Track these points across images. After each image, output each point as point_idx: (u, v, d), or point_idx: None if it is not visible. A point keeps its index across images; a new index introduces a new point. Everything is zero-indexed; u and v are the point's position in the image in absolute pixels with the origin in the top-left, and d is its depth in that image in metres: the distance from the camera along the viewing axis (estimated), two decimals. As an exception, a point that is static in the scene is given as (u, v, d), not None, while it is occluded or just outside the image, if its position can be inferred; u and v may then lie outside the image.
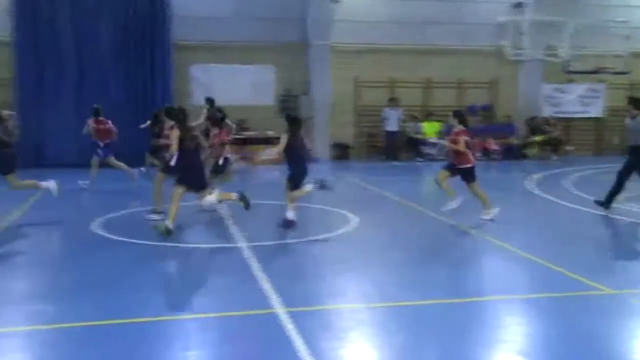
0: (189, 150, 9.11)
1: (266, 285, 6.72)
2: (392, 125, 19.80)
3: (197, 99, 19.48)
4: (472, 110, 20.76)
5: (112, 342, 5.26)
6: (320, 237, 9.36)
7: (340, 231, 9.68)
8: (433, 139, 20.15)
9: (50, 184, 10.90)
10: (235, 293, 6.67)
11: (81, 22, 17.93)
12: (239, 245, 8.66)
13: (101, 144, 14.04)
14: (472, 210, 10.53)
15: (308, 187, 10.24)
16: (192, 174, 9.12)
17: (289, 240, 9.18)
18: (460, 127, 10.36)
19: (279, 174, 17.78)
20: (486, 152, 20.63)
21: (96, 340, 5.32)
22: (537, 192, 14.08)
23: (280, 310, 5.96)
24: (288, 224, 9.75)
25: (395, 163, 19.48)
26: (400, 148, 20.22)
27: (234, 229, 9.66)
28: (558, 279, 7.22)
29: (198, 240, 9.20)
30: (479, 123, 20.97)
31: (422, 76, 21.08)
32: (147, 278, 7.28)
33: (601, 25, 20.97)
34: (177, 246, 8.73)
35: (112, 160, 14.20)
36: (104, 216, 10.48)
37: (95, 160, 14.08)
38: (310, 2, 19.84)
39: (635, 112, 10.72)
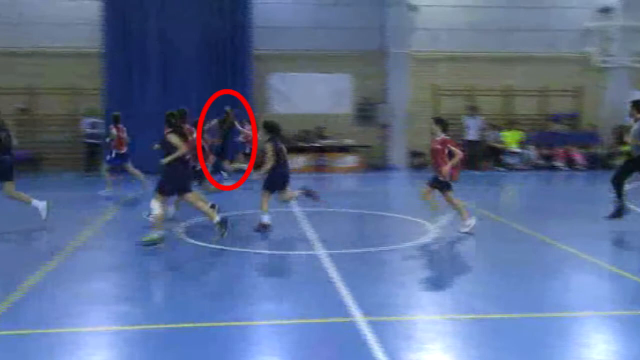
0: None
1: (345, 293, 6.73)
2: (471, 134, 19.48)
3: (275, 107, 19.89)
4: (556, 118, 20.19)
5: (191, 345, 5.39)
6: (400, 246, 9.29)
7: (419, 241, 9.58)
8: (514, 148, 19.84)
9: (40, 205, 10.39)
10: (314, 300, 6.70)
11: (166, 33, 18.55)
12: (317, 252, 8.71)
13: (118, 152, 14.27)
14: (552, 220, 10.21)
15: (295, 192, 10.45)
16: (177, 178, 9.13)
17: (367, 249, 9.16)
18: (444, 136, 9.69)
19: (356, 182, 17.87)
20: (570, 162, 19.99)
21: (176, 342, 5.46)
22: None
23: (359, 318, 5.95)
24: (262, 228, 9.84)
25: (475, 172, 19.12)
26: (480, 157, 19.85)
27: (312, 236, 9.72)
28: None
29: (277, 247, 9.32)
30: (563, 132, 20.36)
31: (503, 84, 20.67)
32: (227, 283, 7.43)
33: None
34: (257, 252, 8.88)
35: (129, 167, 14.42)
36: (187, 221, 10.78)
37: (107, 167, 14.48)
38: (389, 11, 19.82)
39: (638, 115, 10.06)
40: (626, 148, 19.72)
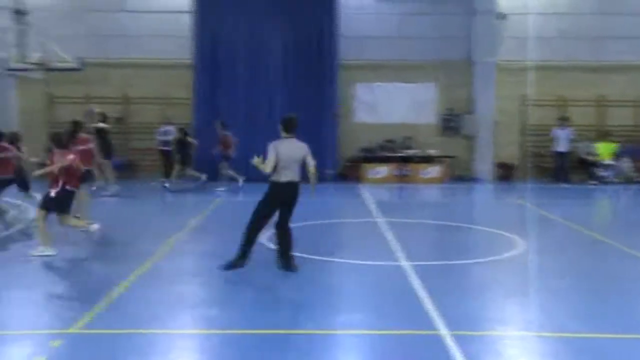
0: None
1: (430, 306, 6.64)
2: (562, 146, 18.83)
3: (360, 117, 19.93)
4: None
5: (274, 352, 5.45)
6: (486, 259, 9.10)
7: (506, 254, 9.34)
8: (607, 160, 19.04)
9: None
10: (398, 312, 6.64)
11: (253, 44, 18.93)
12: (401, 263, 8.64)
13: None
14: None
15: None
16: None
17: (452, 261, 9.01)
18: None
19: (440, 193, 17.63)
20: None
21: (260, 348, 5.55)
22: None
23: (444, 332, 5.85)
24: None
25: (565, 185, 18.47)
26: (570, 169, 19.16)
27: (396, 247, 9.65)
28: None
29: (361, 257, 9.30)
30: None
31: (595, 94, 19.89)
32: (311, 291, 7.48)
33: None
34: (339, 262, 8.90)
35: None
36: (272, 229, 10.92)
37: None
38: (476, 19, 19.49)
39: None
40: None
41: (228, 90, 19.01)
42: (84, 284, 7.63)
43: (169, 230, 10.77)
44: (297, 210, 8.27)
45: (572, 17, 19.82)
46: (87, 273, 8.28)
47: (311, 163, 8.23)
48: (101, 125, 15.40)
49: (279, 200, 8.11)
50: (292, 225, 8.33)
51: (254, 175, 15.18)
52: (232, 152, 16.82)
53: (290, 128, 8.19)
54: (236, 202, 15.01)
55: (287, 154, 7.97)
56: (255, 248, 8.16)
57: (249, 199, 15.19)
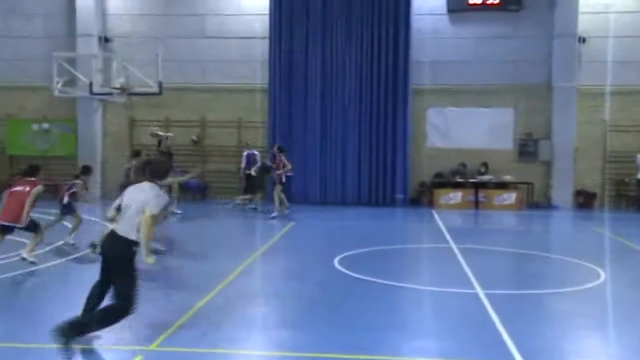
0: None
1: (505, 336, 6.46)
2: (647, 173, 18.09)
3: (432, 142, 19.75)
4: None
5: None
6: (563, 289, 8.79)
7: (585, 285, 8.99)
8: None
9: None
10: (473, 340, 6.49)
11: (328, 69, 19.17)
12: (475, 291, 8.45)
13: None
14: None
15: None
16: None
17: (528, 291, 8.74)
18: None
19: (515, 220, 17.19)
20: None
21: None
22: None
23: (521, 363, 5.68)
24: None
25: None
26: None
27: (469, 274, 9.45)
28: None
29: (433, 283, 9.15)
30: None
31: (681, 119, 19.05)
32: (384, 316, 7.39)
33: None
34: (412, 287, 8.78)
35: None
36: (344, 253, 10.91)
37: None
38: (555, 43, 19.06)
39: None
40: None
41: (302, 115, 19.29)
42: (162, 303, 7.81)
43: (243, 251, 10.92)
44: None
45: (655, 41, 19.14)
46: (164, 293, 8.47)
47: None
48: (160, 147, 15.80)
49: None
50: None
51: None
52: (283, 176, 16.36)
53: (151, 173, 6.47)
54: (310, 225, 15.09)
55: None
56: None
57: (321, 223, 15.38)
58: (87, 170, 12.07)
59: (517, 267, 11.03)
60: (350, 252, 11.02)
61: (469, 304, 7.89)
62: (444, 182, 19.21)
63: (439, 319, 7.43)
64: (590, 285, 9.01)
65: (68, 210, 11.49)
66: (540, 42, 19.29)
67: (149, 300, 8.20)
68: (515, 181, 18.98)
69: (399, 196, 18.54)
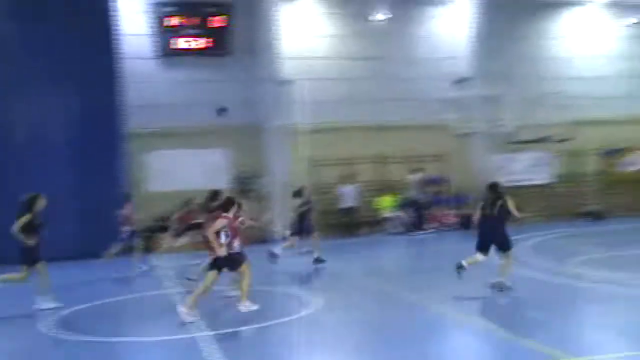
0: None
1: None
2: (348, 202, 20.10)
3: (155, 185, 19.62)
4: (429, 182, 21.23)
5: None
6: (280, 320, 9.28)
7: (300, 314, 9.63)
8: (389, 212, 20.66)
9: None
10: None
11: (32, 120, 17.89)
12: (199, 334, 8.53)
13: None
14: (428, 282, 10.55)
15: None
16: None
17: (250, 326, 9.05)
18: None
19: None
20: (442, 223, 21.08)
21: None
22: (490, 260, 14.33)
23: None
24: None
25: (354, 239, 19.63)
26: (360, 223, 20.47)
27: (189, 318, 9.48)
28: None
29: (149, 333, 8.97)
30: (434, 195, 21.49)
31: (375, 152, 21.56)
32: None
33: (541, 97, 22.09)
34: (127, 341, 8.55)
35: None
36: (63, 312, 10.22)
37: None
38: (263, 86, 20.36)
39: None
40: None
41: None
42: None
43: None
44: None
45: (352, 82, 21.54)
46: None
47: None
48: None
49: None
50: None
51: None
52: None
53: None
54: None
55: None
56: None
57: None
58: None
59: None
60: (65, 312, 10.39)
61: (190, 349, 7.93)
62: (166, 226, 19.06)
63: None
64: (304, 313, 9.68)
65: None
66: (249, 85, 20.48)
67: None
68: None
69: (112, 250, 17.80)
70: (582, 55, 23.86)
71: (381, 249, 18.55)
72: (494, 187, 10.96)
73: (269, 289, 12.03)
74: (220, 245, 9.33)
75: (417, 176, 20.90)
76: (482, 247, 10.75)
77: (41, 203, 10.71)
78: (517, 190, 22.25)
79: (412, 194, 20.90)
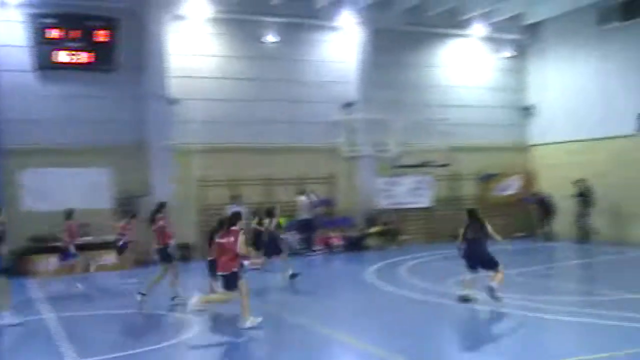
0: None
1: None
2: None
3: (28, 205, 18.60)
4: (316, 205, 21.42)
5: None
6: (159, 345, 9.05)
7: (178, 339, 9.42)
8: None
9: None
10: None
11: None
12: (69, 362, 8.16)
13: None
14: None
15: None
16: None
17: (127, 352, 8.76)
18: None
19: (119, 279, 17.06)
20: (328, 245, 21.33)
21: None
22: (372, 281, 14.68)
23: None
24: None
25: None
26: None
27: (66, 345, 9.06)
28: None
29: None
30: (322, 217, 21.74)
31: (263, 174, 21.56)
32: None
33: (424, 123, 23.05)
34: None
35: None
36: None
37: None
38: (148, 104, 19.90)
39: None
40: (376, 229, 21.83)
41: None
42: None
43: None
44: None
45: (239, 104, 21.44)
46: None
47: None
48: None
49: None
50: None
51: None
52: None
53: None
54: None
55: None
56: None
57: None
58: None
59: (121, 328, 10.95)
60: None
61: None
62: (43, 247, 18.13)
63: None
64: (181, 338, 9.47)
65: None
66: (134, 103, 19.91)
67: None
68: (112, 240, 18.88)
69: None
70: (462, 85, 25.03)
71: (268, 270, 18.48)
72: (474, 213, 11.61)
73: (158, 313, 11.70)
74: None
75: (305, 198, 21.08)
76: (472, 268, 11.53)
77: None
78: (400, 213, 23.17)
79: (301, 215, 21.04)
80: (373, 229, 22.13)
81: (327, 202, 22.47)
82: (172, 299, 12.32)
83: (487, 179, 24.62)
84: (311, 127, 22.15)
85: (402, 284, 14.01)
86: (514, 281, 13.09)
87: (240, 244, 9.77)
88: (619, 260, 17.22)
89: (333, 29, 22.86)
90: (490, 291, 11.00)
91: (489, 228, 11.49)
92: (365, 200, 22.81)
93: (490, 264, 11.36)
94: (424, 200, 23.62)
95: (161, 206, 13.68)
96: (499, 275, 11.23)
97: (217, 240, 10.19)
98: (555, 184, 23.17)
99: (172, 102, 20.16)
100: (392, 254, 19.88)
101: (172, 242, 13.26)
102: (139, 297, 11.89)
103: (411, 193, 23.46)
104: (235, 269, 9.80)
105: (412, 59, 24.21)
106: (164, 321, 11.23)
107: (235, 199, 20.28)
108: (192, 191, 20.58)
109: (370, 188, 22.89)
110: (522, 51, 25.72)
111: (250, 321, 9.75)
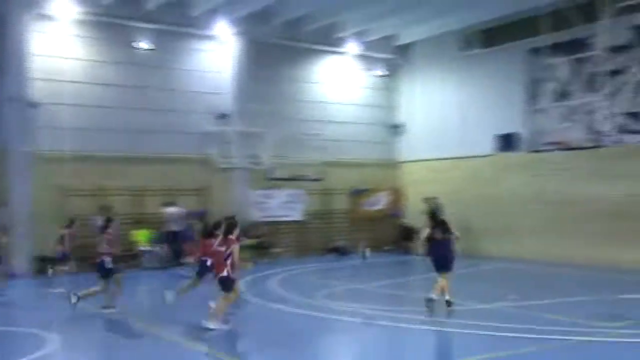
0: None
1: None
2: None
3: None
4: (189, 216, 20.98)
5: None
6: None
7: (35, 354, 8.92)
8: (145, 246, 20.11)
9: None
10: None
11: None
12: None
13: None
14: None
15: None
16: None
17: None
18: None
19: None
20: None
21: None
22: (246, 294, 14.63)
23: None
24: None
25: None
26: (124, 257, 19.50)
27: None
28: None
29: None
30: (192, 229, 21.31)
31: (133, 184, 20.85)
32: None
33: (298, 137, 23.37)
34: None
35: None
36: None
37: None
38: (7, 108, 18.74)
39: None
40: (249, 242, 21.77)
41: None
42: None
43: None
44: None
45: (109, 111, 20.63)
46: None
47: None
48: None
49: None
50: None
51: None
52: None
53: None
54: None
55: None
56: None
57: None
58: None
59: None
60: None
61: None
62: None
63: None
64: (39, 353, 8.98)
65: None
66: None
67: None
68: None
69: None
70: (337, 101, 25.62)
71: (134, 284, 17.90)
72: (436, 214, 11.74)
73: (8, 329, 11.00)
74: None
75: (173, 209, 20.62)
76: (441, 268, 11.76)
77: None
78: (273, 226, 23.24)
79: (168, 227, 20.56)
80: (246, 242, 22.00)
81: (201, 214, 22.09)
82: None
83: (357, 194, 25.31)
84: (185, 137, 21.78)
85: (270, 297, 14.06)
86: (377, 293, 13.51)
87: (234, 253, 10.31)
88: (470, 274, 18.15)
89: (209, 38, 22.66)
90: (448, 303, 11.60)
91: (453, 228, 11.83)
92: (239, 212, 22.63)
93: (450, 266, 11.75)
94: (296, 214, 23.86)
95: (108, 220, 13.61)
96: (448, 283, 11.65)
97: (216, 248, 11.26)
98: (420, 200, 24.20)
99: (33, 105, 19.08)
100: (264, 267, 19.86)
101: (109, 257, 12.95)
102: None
103: (284, 206, 23.64)
104: (225, 274, 10.30)
105: (289, 73, 24.50)
106: (21, 338, 10.55)
107: (104, 209, 19.45)
108: (54, 201, 19.48)
109: (244, 200, 22.80)
110: (393, 71, 26.77)
111: (215, 324, 10.15)
